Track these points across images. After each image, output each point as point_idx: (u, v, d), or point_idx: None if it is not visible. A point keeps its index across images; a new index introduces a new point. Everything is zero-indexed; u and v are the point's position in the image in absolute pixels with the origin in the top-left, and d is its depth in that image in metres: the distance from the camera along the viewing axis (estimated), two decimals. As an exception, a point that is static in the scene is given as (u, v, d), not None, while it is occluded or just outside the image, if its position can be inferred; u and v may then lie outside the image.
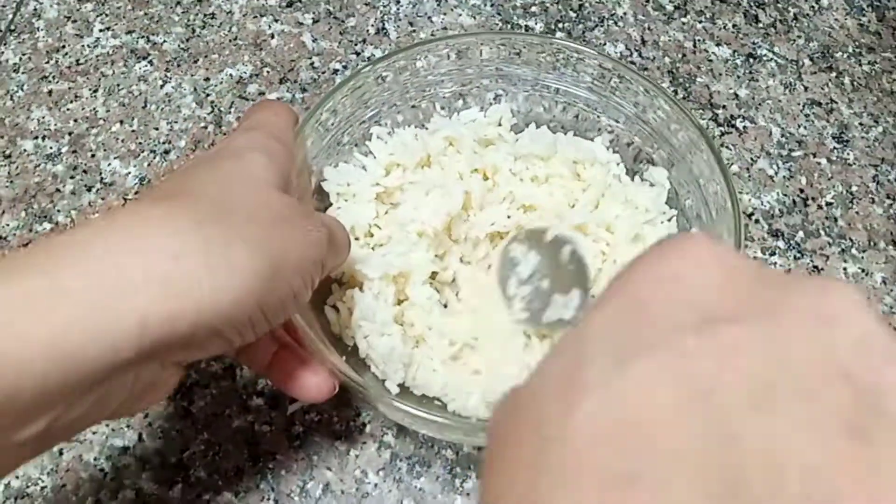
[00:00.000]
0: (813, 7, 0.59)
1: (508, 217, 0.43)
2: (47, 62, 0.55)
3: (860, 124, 0.53)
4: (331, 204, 0.43)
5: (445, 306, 0.41)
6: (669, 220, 0.44)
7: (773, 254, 0.47)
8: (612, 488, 0.14)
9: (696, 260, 0.17)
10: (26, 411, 0.22)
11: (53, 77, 0.54)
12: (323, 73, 0.54)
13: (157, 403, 0.41)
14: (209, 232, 0.25)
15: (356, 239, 0.42)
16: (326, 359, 0.34)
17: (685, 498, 0.14)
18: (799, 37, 0.57)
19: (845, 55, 0.56)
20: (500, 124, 0.47)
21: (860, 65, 0.56)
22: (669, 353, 0.15)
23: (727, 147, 0.51)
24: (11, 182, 0.49)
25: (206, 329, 0.25)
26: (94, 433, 0.41)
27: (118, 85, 0.54)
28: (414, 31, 0.57)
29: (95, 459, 0.40)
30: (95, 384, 0.23)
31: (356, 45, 0.56)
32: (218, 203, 0.27)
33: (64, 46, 0.55)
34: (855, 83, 0.55)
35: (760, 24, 0.58)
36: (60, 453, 0.40)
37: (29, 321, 0.22)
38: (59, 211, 0.48)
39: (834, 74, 0.55)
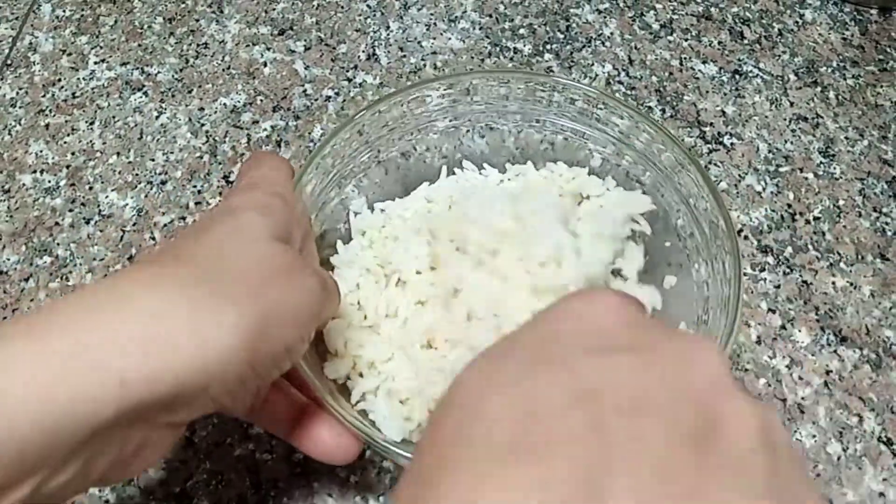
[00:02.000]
0: (797, 22, 0.60)
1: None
2: (44, 96, 0.55)
3: (846, 138, 0.54)
4: (336, 252, 0.44)
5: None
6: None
7: (762, 270, 0.48)
8: (510, 456, 0.18)
9: (604, 305, 0.23)
10: (8, 476, 0.22)
11: (50, 111, 0.55)
12: (316, 100, 0.55)
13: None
14: (194, 291, 0.26)
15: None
16: (337, 411, 0.34)
17: (559, 469, 0.17)
18: (784, 52, 0.58)
19: (830, 69, 0.57)
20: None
21: (844, 79, 0.56)
22: (569, 366, 0.20)
23: (715, 164, 0.52)
24: (11, 216, 0.50)
25: (191, 388, 0.25)
26: (97, 465, 0.41)
27: (114, 117, 0.54)
28: (404, 55, 0.57)
29: (100, 491, 0.41)
30: (78, 447, 0.23)
31: (348, 71, 0.57)
32: (206, 262, 0.27)
33: (60, 80, 0.56)
34: (840, 97, 0.55)
35: (745, 41, 0.58)
36: (65, 486, 0.41)
37: (11, 384, 0.22)
38: (58, 244, 0.49)
39: (819, 89, 0.56)
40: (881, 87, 0.56)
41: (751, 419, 0.19)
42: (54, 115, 0.55)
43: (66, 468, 0.24)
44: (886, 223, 0.50)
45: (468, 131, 0.49)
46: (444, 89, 0.46)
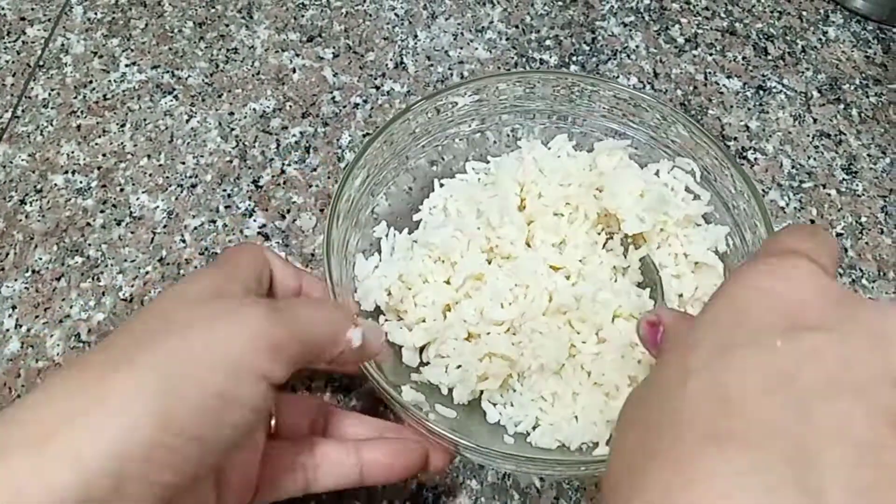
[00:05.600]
0: (820, 39, 0.60)
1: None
2: (75, 97, 0.56)
3: (868, 155, 0.54)
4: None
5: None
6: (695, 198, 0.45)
7: (785, 284, 0.48)
8: (711, 443, 0.18)
9: (791, 280, 0.22)
10: None
11: (81, 112, 0.55)
12: (344, 107, 0.56)
13: None
14: (81, 380, 0.25)
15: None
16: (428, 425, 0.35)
17: (765, 455, 0.18)
18: (807, 69, 0.58)
19: (852, 87, 0.58)
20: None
21: (867, 96, 0.57)
22: (761, 349, 0.20)
23: (739, 179, 0.53)
24: (43, 216, 0.51)
25: (101, 485, 0.22)
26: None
27: (145, 119, 0.55)
28: (432, 65, 0.58)
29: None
30: None
31: (376, 79, 0.57)
32: (122, 345, 0.26)
33: (91, 81, 0.57)
34: (862, 115, 0.56)
35: (769, 57, 0.59)
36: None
37: None
38: (90, 245, 0.49)
39: (842, 106, 0.56)
40: (903, 105, 0.57)
41: None
42: (86, 117, 0.55)
43: None
44: (908, 241, 0.50)
45: (496, 141, 0.50)
46: (470, 94, 0.47)
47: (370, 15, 0.61)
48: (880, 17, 0.61)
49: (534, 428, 0.40)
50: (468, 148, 0.49)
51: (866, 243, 0.50)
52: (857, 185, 0.53)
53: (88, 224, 0.50)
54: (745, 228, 0.42)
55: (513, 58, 0.59)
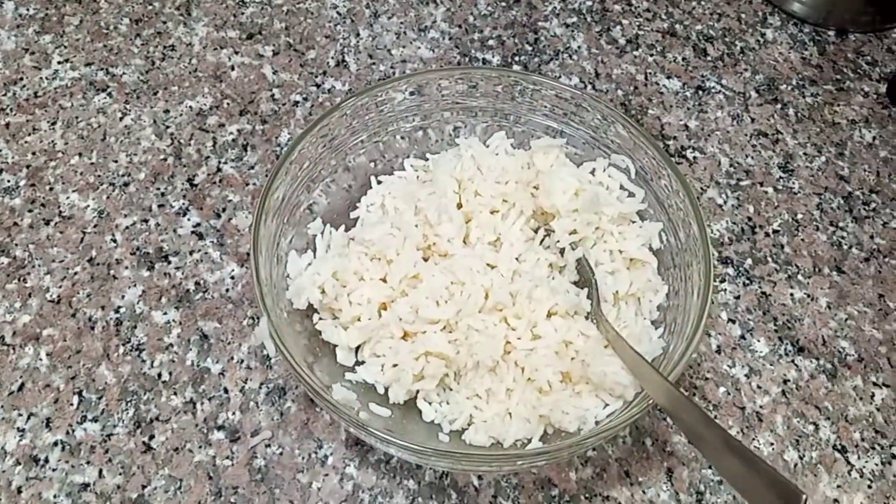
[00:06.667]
0: (758, 41, 0.61)
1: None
2: (4, 94, 0.54)
3: (804, 154, 0.55)
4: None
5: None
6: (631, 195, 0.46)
7: (722, 280, 0.49)
8: None
9: None
10: None
11: (11, 109, 0.54)
12: (283, 104, 0.55)
13: (117, 438, 0.41)
14: None
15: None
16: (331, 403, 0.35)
17: None
18: (745, 70, 0.59)
19: (789, 87, 0.58)
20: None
21: (804, 97, 0.58)
22: None
23: (678, 177, 0.53)
24: (-33, 216, 0.49)
25: None
26: (53, 470, 0.40)
27: (77, 117, 0.54)
28: (374, 63, 0.58)
29: (55, 497, 0.40)
30: None
31: (316, 77, 0.56)
32: None
33: (22, 78, 0.55)
34: (799, 114, 0.57)
35: (709, 58, 0.60)
36: (19, 491, 0.40)
37: None
38: (16, 245, 0.48)
39: (779, 106, 0.57)
40: (838, 105, 0.58)
41: None
42: (15, 114, 0.54)
43: None
44: (842, 237, 0.51)
45: (437, 140, 0.49)
46: (410, 90, 0.47)
47: (311, 13, 0.60)
48: (816, 21, 0.62)
49: (469, 425, 0.39)
50: (409, 146, 0.49)
51: (802, 240, 0.51)
52: (793, 182, 0.54)
53: (15, 224, 0.49)
54: (679, 226, 0.43)
55: (456, 57, 0.58)
